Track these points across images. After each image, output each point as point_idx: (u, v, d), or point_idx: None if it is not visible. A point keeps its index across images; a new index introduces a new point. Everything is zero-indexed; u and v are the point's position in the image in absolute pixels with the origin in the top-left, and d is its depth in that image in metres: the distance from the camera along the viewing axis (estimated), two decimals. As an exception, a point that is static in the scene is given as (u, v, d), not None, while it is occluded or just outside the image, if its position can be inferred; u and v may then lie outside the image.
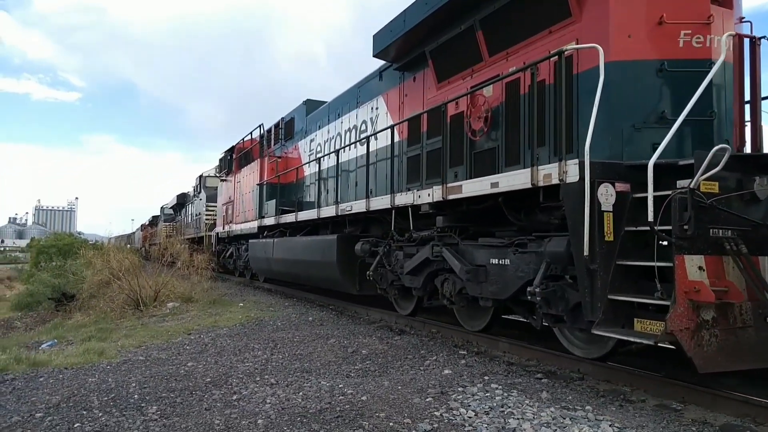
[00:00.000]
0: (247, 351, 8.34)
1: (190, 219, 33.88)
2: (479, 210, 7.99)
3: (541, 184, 6.43)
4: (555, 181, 6.22)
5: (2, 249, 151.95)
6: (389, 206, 9.70)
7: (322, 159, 13.91)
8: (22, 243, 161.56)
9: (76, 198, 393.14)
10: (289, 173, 16.44)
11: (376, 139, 11.27)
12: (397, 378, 6.61)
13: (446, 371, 6.87)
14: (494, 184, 7.13)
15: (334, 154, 13.22)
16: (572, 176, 6.03)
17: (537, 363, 7.26)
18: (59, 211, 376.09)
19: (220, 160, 24.90)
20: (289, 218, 14.70)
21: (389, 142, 10.22)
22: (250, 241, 18.10)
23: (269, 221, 16.17)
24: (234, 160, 22.65)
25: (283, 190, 16.33)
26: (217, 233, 24.10)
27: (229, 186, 22.94)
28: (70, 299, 18.42)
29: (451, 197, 8.01)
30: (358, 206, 10.90)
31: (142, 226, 64.21)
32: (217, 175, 27.11)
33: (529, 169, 6.58)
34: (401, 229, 9.96)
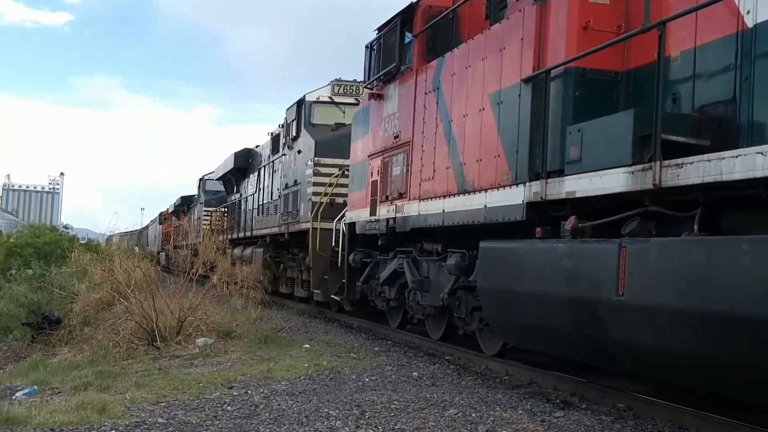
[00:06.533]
0: (318, 420, 5.87)
1: (265, 196, 18.70)
2: None
3: None
4: None
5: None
6: None
7: None
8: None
9: (62, 174, 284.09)
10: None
11: None
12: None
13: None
14: None
15: None
16: None
17: None
18: (36, 192, 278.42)
19: (369, 48, 10.99)
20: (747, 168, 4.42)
21: None
22: (483, 245, 7.37)
23: (592, 183, 5.75)
24: (414, 41, 9.63)
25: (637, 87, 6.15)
26: (353, 224, 11.58)
27: (394, 110, 10.11)
28: (54, 325, 13.31)
29: None
30: None
31: (161, 216, 42.74)
32: (340, 93, 14.98)
33: None
34: None
